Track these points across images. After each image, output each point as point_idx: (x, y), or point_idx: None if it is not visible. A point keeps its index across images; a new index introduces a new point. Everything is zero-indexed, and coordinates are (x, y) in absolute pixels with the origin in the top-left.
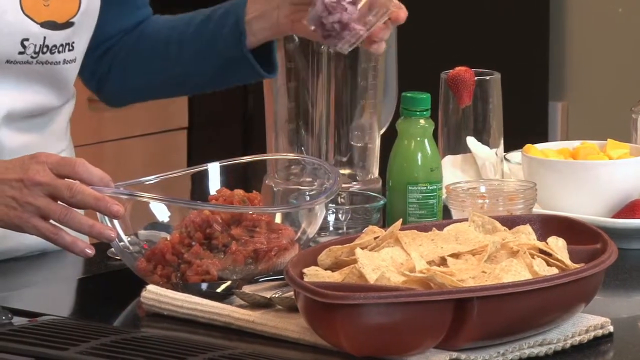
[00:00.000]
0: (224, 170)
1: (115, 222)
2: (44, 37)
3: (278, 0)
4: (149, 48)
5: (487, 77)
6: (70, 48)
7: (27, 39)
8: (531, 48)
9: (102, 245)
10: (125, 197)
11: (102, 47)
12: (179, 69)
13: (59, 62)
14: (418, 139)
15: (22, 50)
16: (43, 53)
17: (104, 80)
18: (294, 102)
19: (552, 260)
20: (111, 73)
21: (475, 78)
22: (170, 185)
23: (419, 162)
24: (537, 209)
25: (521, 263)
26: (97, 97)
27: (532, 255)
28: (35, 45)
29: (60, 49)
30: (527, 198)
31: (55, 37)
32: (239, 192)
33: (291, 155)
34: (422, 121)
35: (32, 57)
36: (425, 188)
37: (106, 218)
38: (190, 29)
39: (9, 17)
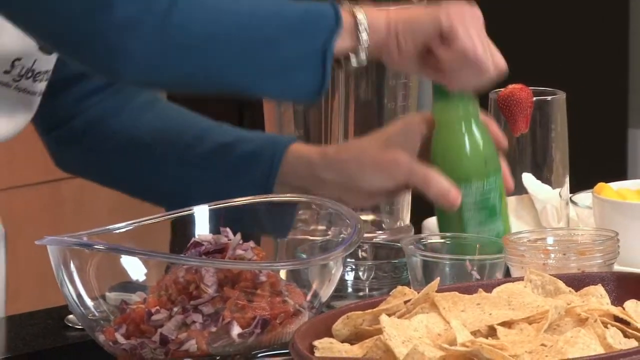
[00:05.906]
0: (214, 215)
1: (77, 281)
2: (35, 60)
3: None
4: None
5: (549, 98)
6: (47, 77)
7: (19, 59)
8: (606, 63)
9: (59, 312)
10: (89, 250)
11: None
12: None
13: (36, 92)
14: (463, 123)
15: (8, 69)
16: (27, 78)
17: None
18: (302, 130)
19: (630, 331)
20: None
21: (534, 99)
22: (145, 235)
23: (468, 153)
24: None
25: (591, 334)
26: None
27: (605, 324)
28: (23, 68)
29: (42, 77)
30: (606, 252)
31: (44, 62)
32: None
33: (299, 197)
34: (464, 102)
35: (14, 79)
36: (482, 185)
37: (64, 275)
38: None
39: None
